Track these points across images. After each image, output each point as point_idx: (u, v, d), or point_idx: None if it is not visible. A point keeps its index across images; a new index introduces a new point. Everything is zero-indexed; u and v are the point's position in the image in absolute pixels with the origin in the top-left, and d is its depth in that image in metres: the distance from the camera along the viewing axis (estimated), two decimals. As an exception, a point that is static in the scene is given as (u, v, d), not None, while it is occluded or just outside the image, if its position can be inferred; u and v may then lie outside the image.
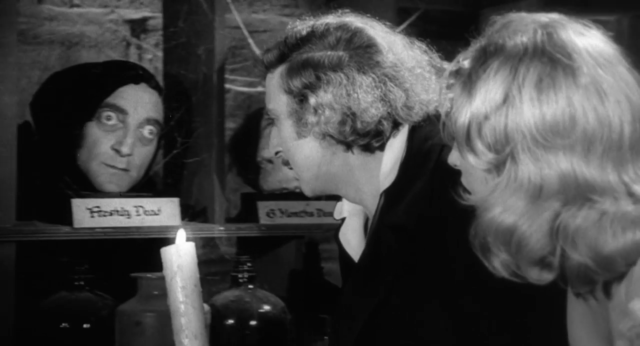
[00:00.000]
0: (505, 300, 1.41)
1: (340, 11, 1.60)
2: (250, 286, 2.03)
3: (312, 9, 2.75)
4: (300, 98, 1.54)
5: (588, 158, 1.16)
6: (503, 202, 1.18)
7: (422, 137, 1.53)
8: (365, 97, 1.51)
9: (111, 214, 1.99)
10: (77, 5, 2.50)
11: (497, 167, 1.19)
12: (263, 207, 2.19)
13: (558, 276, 1.20)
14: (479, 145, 1.20)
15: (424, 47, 1.60)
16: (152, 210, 2.03)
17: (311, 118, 1.54)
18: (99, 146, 2.01)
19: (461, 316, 1.45)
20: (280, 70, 1.57)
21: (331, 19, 1.58)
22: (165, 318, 1.76)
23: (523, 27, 1.21)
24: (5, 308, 1.87)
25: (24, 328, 1.91)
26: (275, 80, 1.58)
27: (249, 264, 2.03)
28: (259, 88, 2.70)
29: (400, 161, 1.54)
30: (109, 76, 2.03)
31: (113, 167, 2.03)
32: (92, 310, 1.90)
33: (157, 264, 1.91)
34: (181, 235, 1.38)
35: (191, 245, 1.36)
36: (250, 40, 2.53)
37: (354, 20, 1.58)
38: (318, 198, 2.28)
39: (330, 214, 2.24)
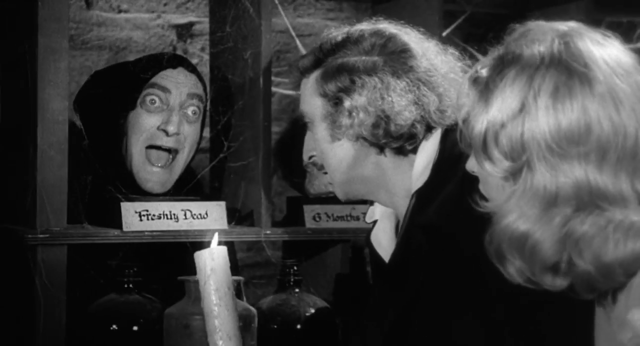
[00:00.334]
0: (528, 308, 1.41)
1: (374, 19, 1.62)
2: (297, 290, 2.03)
3: (357, 13, 2.76)
4: (335, 101, 1.57)
5: (602, 167, 1.18)
6: (518, 209, 1.20)
7: (454, 140, 1.53)
8: (399, 100, 1.53)
9: (159, 218, 2.00)
10: (125, 11, 2.53)
11: (514, 175, 1.20)
12: (309, 210, 2.19)
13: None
14: (496, 153, 1.21)
15: (457, 53, 1.62)
16: (200, 214, 2.04)
17: (345, 121, 1.56)
18: (145, 127, 2.04)
19: (490, 321, 1.44)
20: (316, 75, 1.59)
21: (365, 26, 1.61)
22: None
23: (541, 36, 1.22)
24: (57, 310, 1.90)
25: (74, 330, 1.93)
26: (310, 84, 1.61)
27: (295, 268, 2.03)
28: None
29: (432, 163, 1.55)
30: (147, 65, 2.06)
31: (159, 148, 2.05)
32: (140, 313, 1.91)
33: (204, 267, 1.93)
34: (215, 239, 1.41)
35: (224, 249, 1.40)
36: (298, 42, 2.54)
37: (388, 26, 1.61)
38: (364, 202, 2.28)
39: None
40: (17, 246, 1.93)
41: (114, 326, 1.90)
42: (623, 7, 1.73)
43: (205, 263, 1.38)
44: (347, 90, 1.55)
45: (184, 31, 2.59)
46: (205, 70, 2.35)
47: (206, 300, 1.37)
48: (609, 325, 1.21)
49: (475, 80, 1.26)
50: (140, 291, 1.94)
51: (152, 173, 2.05)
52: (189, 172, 2.16)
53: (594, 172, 1.17)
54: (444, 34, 2.47)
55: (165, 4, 2.58)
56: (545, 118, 1.18)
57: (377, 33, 1.60)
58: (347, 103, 1.55)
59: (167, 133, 2.04)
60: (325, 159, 1.62)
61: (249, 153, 2.15)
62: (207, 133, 2.23)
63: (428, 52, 1.60)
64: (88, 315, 1.92)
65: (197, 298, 1.79)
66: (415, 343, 1.51)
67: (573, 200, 1.17)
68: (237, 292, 1.83)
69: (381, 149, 1.57)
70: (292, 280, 2.03)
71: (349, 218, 2.22)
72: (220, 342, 1.34)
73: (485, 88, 1.24)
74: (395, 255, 1.58)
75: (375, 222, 1.69)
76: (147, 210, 1.99)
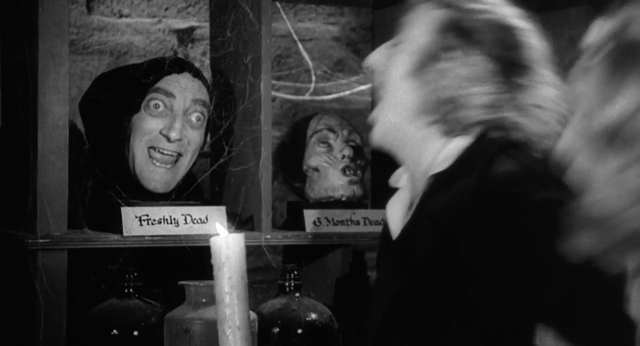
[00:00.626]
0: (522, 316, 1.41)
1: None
2: (297, 294, 2.03)
3: (358, 17, 2.76)
4: (440, 51, 1.53)
5: None
6: (617, 190, 1.19)
7: (490, 139, 1.53)
8: (484, 89, 1.51)
9: (160, 222, 2.00)
10: (126, 16, 2.54)
11: (628, 165, 1.20)
12: (309, 215, 2.19)
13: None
14: (618, 146, 1.20)
15: None
16: (200, 219, 2.05)
17: (431, 76, 1.54)
18: (148, 130, 2.04)
19: (473, 328, 1.45)
20: (442, 13, 1.56)
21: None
22: (213, 326, 1.78)
23: None
24: (57, 315, 1.90)
25: (74, 335, 1.93)
26: (431, 15, 1.57)
27: (295, 272, 2.03)
28: (305, 97, 2.71)
29: (461, 153, 1.54)
30: (153, 69, 2.06)
31: (162, 151, 2.04)
32: (141, 318, 1.91)
33: (204, 272, 1.93)
34: (220, 227, 1.39)
35: (240, 236, 1.36)
36: (300, 47, 2.55)
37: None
38: (364, 206, 2.29)
39: (377, 223, 2.25)
40: (18, 251, 1.93)
41: (115, 331, 1.90)
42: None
43: (220, 250, 1.34)
44: (455, 54, 1.52)
45: (185, 36, 2.59)
46: (206, 75, 2.35)
47: (218, 288, 1.33)
48: None
49: (586, 69, 1.25)
50: (140, 296, 1.94)
51: (156, 172, 2.05)
52: (189, 176, 2.16)
53: None
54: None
55: (166, 9, 2.58)
56: None
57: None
58: (444, 64, 1.52)
59: (168, 139, 2.05)
60: (389, 90, 1.58)
61: (250, 158, 2.15)
62: (207, 137, 2.23)
63: None
64: (88, 319, 1.92)
65: (197, 302, 1.79)
66: (403, 328, 1.51)
67: None
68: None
69: (435, 122, 1.54)
70: (292, 284, 2.03)
71: (349, 222, 2.22)
72: (229, 331, 1.32)
73: (602, 80, 1.22)
74: (402, 233, 1.57)
75: (396, 189, 1.68)
76: (147, 215, 1.99)
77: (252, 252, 2.57)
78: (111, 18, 2.52)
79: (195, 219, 2.04)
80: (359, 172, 2.27)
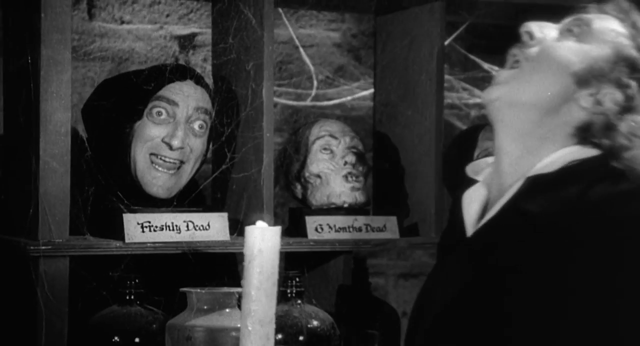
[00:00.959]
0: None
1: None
2: (299, 301, 2.03)
3: (359, 24, 2.76)
4: (620, 79, 1.55)
5: None
6: None
7: (610, 164, 1.54)
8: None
9: (162, 229, 2.00)
10: (127, 22, 2.54)
11: None
12: (311, 222, 2.19)
13: None
14: None
15: None
16: (202, 225, 2.04)
17: (593, 90, 1.55)
18: (150, 137, 2.04)
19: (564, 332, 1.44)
20: (626, 42, 1.58)
21: None
22: (215, 333, 1.78)
23: None
24: (59, 322, 1.89)
25: (76, 342, 1.93)
26: (620, 32, 1.58)
27: (297, 279, 2.03)
28: (307, 102, 2.71)
29: (570, 162, 1.54)
30: (154, 76, 2.06)
31: (164, 159, 2.04)
32: (142, 325, 1.91)
33: (206, 278, 1.93)
34: (261, 223, 1.33)
35: (277, 230, 1.30)
36: (302, 52, 2.55)
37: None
38: (366, 213, 2.28)
39: (379, 230, 2.25)
40: (19, 257, 1.93)
41: (116, 338, 1.90)
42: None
43: (253, 242, 1.28)
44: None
45: (187, 42, 2.59)
46: (208, 81, 2.35)
47: (247, 281, 1.27)
48: None
49: None
50: (142, 303, 1.94)
51: (158, 177, 2.05)
52: (191, 183, 2.16)
53: None
54: (446, 43, 2.48)
55: (167, 15, 2.59)
56: None
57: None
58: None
59: (170, 147, 2.04)
60: (537, 72, 1.57)
61: (252, 165, 2.15)
62: (210, 145, 2.23)
63: None
64: (90, 326, 1.92)
65: (199, 309, 1.79)
66: (474, 319, 1.50)
67: None
68: (240, 303, 1.83)
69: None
70: (294, 291, 2.03)
71: (351, 229, 2.22)
72: (250, 328, 1.28)
73: None
74: (481, 231, 1.56)
75: (475, 182, 1.67)
76: (149, 222, 1.99)
77: (253, 259, 2.57)
78: (113, 24, 2.52)
79: (197, 226, 2.04)
80: (361, 178, 2.26)
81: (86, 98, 2.18)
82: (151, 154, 2.05)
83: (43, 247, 1.89)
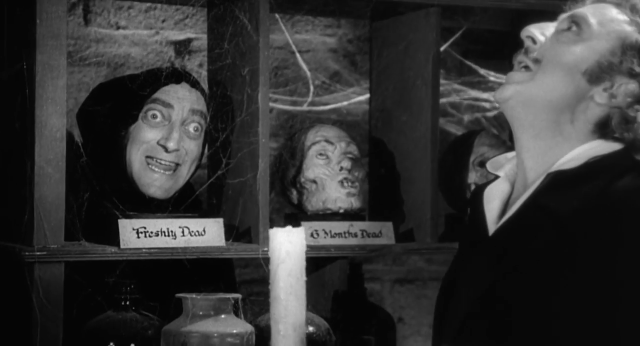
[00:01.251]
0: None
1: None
2: (295, 307, 2.02)
3: (355, 29, 2.76)
4: (632, 69, 1.54)
5: None
6: None
7: (633, 158, 1.55)
8: None
9: (157, 235, 2.00)
10: (123, 27, 2.54)
11: None
12: (307, 227, 2.19)
13: None
14: None
15: None
16: (197, 231, 2.04)
17: (607, 84, 1.54)
18: (146, 140, 2.04)
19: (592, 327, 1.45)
20: (632, 30, 1.56)
21: None
22: (210, 339, 1.77)
23: None
24: (54, 327, 1.89)
25: (71, 347, 1.93)
26: (623, 21, 1.57)
27: (293, 285, 2.03)
28: (304, 107, 2.71)
29: (593, 158, 1.54)
30: (149, 81, 2.06)
31: (159, 161, 2.04)
32: (138, 330, 1.91)
33: (202, 284, 1.93)
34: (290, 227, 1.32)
35: (301, 231, 1.29)
36: (299, 57, 2.55)
37: None
38: (362, 218, 2.28)
39: (374, 235, 2.25)
40: (14, 263, 1.93)
41: (111, 343, 1.90)
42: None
43: (280, 245, 1.26)
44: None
45: (182, 48, 2.59)
46: (203, 86, 2.35)
47: (275, 285, 1.26)
48: None
49: None
50: (137, 309, 1.93)
51: (155, 178, 2.04)
52: (187, 188, 2.16)
53: None
54: (442, 49, 2.48)
55: (163, 21, 2.59)
56: None
57: None
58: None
59: (166, 150, 2.04)
60: (547, 73, 1.57)
61: (247, 170, 2.15)
62: (205, 148, 2.23)
63: None
64: (85, 332, 1.91)
65: (194, 315, 1.79)
66: (502, 316, 1.50)
67: None
68: (235, 309, 1.83)
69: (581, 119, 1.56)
70: (289, 297, 2.02)
71: (346, 234, 2.22)
72: (283, 333, 1.26)
73: None
74: (503, 227, 1.56)
75: (496, 177, 1.67)
76: (144, 227, 1.99)
77: (249, 264, 2.57)
78: (108, 30, 2.52)
79: (192, 231, 2.03)
80: (356, 184, 2.26)
81: (81, 104, 2.17)
82: (147, 157, 2.05)
83: (38, 253, 1.89)
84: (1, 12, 2.07)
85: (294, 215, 2.27)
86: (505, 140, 2.46)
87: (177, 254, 2.01)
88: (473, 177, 2.39)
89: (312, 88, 2.72)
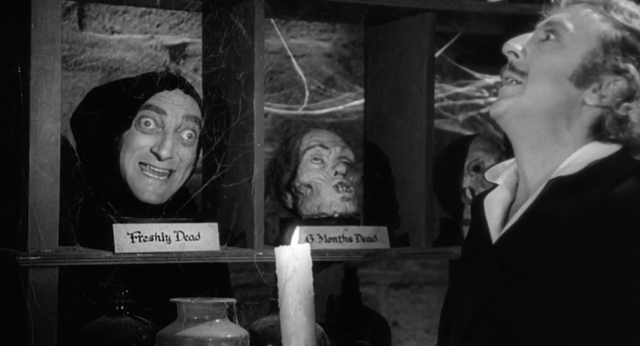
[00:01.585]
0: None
1: None
2: (289, 311, 2.02)
3: (350, 34, 2.77)
4: (617, 66, 1.55)
5: None
6: None
7: (633, 159, 1.55)
8: None
9: (152, 239, 2.00)
10: (118, 32, 2.54)
11: None
12: (302, 232, 2.19)
13: None
14: None
15: None
16: (192, 235, 2.04)
17: (595, 85, 1.55)
18: (139, 147, 2.03)
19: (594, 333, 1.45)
20: (608, 26, 1.56)
21: None
22: (205, 343, 1.77)
23: None
24: (48, 332, 1.88)
25: (65, 352, 1.92)
26: (595, 23, 1.57)
27: (287, 289, 2.03)
28: (299, 112, 2.71)
29: (592, 162, 1.54)
30: (144, 85, 2.05)
31: (153, 168, 2.04)
32: (132, 335, 1.90)
33: (196, 288, 1.93)
34: (296, 235, 1.34)
35: (307, 247, 1.31)
36: (294, 62, 2.55)
37: None
38: (356, 223, 2.28)
39: (369, 239, 2.25)
40: (8, 268, 1.92)
41: (106, 348, 1.89)
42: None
43: (287, 262, 1.28)
44: (631, 64, 1.56)
45: (177, 52, 2.60)
46: (198, 91, 2.35)
47: (284, 302, 1.28)
48: None
49: None
50: (132, 314, 1.93)
51: (149, 183, 2.04)
52: (181, 193, 2.16)
53: None
54: (437, 54, 2.48)
55: (158, 25, 2.59)
56: None
57: None
58: (621, 80, 1.55)
59: (159, 158, 2.04)
60: (535, 84, 1.58)
61: (242, 175, 2.15)
62: (200, 154, 2.23)
63: None
64: (79, 337, 1.91)
65: (189, 320, 1.79)
66: (506, 324, 1.51)
67: None
68: (230, 314, 1.83)
69: (574, 121, 1.56)
70: (284, 301, 2.02)
71: (341, 239, 2.22)
72: None
73: None
74: (506, 235, 1.57)
75: (494, 186, 1.68)
76: (139, 232, 1.98)
77: (243, 269, 2.57)
78: (103, 34, 2.52)
79: (187, 236, 2.03)
80: (351, 188, 2.26)
81: (75, 108, 2.17)
82: (140, 163, 2.05)
83: (32, 257, 1.88)
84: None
85: (289, 220, 2.27)
86: (499, 145, 2.46)
87: (171, 259, 2.00)
88: (468, 182, 2.40)
89: (307, 92, 2.73)
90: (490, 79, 2.78)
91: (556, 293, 1.47)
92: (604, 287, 1.44)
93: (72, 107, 2.26)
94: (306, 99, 2.72)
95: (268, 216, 2.49)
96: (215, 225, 2.08)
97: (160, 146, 2.04)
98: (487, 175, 1.70)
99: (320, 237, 2.19)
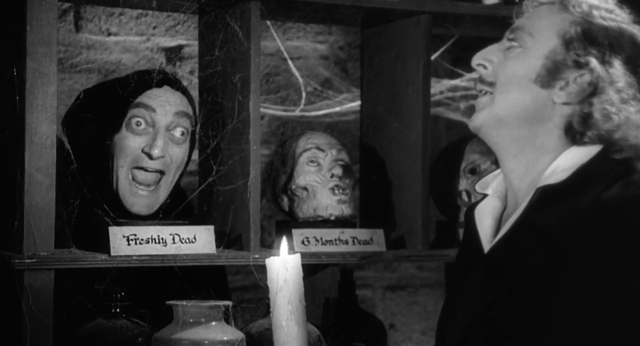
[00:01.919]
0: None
1: None
2: (286, 314, 2.02)
3: (346, 36, 2.77)
4: (578, 60, 1.54)
5: None
6: None
7: (615, 161, 1.54)
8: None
9: (147, 242, 2.00)
10: (114, 34, 2.54)
11: None
12: (298, 234, 2.19)
13: None
14: None
15: None
16: (188, 238, 2.04)
17: (561, 83, 1.54)
18: (131, 150, 2.03)
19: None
20: (570, 21, 1.56)
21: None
22: (201, 347, 1.77)
23: None
24: (44, 335, 1.88)
25: (61, 355, 1.92)
26: (555, 21, 1.57)
27: (283, 292, 2.02)
28: (297, 113, 2.71)
29: (578, 168, 1.54)
30: (132, 84, 2.05)
31: (146, 169, 2.04)
32: (128, 338, 1.90)
33: (192, 291, 1.93)
34: (284, 245, 1.34)
35: (297, 257, 1.32)
36: (291, 64, 2.55)
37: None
38: (352, 225, 2.28)
39: (365, 242, 2.25)
40: (4, 271, 1.92)
41: (101, 351, 1.89)
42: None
43: (278, 273, 1.29)
44: (599, 60, 1.55)
45: (173, 54, 2.59)
46: (194, 93, 2.35)
47: (276, 313, 1.29)
48: None
49: None
50: (128, 316, 1.93)
51: (139, 196, 2.04)
52: (177, 195, 2.16)
53: None
54: (433, 57, 2.48)
55: (154, 27, 2.59)
56: None
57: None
58: (589, 74, 1.54)
59: (150, 157, 2.04)
60: (505, 90, 1.59)
61: (238, 177, 2.14)
62: (195, 156, 2.23)
63: None
64: (75, 340, 1.91)
65: (185, 322, 1.79)
66: (499, 334, 1.51)
67: None
68: (226, 316, 1.83)
69: (559, 129, 1.56)
70: (280, 304, 2.02)
71: (337, 242, 2.22)
72: None
73: None
74: (497, 245, 1.57)
75: (484, 196, 1.68)
76: (135, 235, 1.98)
77: (240, 271, 2.57)
78: (99, 36, 2.52)
79: (183, 239, 2.03)
80: (347, 191, 2.26)
81: (67, 109, 2.17)
82: (133, 168, 2.04)
83: (28, 260, 1.88)
84: (-9, 19, 2.07)
85: (285, 222, 2.27)
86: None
87: (167, 261, 2.00)
88: (464, 184, 2.40)
89: (304, 94, 2.73)
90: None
91: (550, 302, 1.47)
92: (603, 295, 1.44)
93: (68, 110, 2.26)
94: (303, 101, 2.72)
95: (264, 218, 2.49)
96: (212, 227, 2.08)
97: (152, 145, 2.03)
98: (478, 187, 1.71)
99: (317, 240, 2.19)
